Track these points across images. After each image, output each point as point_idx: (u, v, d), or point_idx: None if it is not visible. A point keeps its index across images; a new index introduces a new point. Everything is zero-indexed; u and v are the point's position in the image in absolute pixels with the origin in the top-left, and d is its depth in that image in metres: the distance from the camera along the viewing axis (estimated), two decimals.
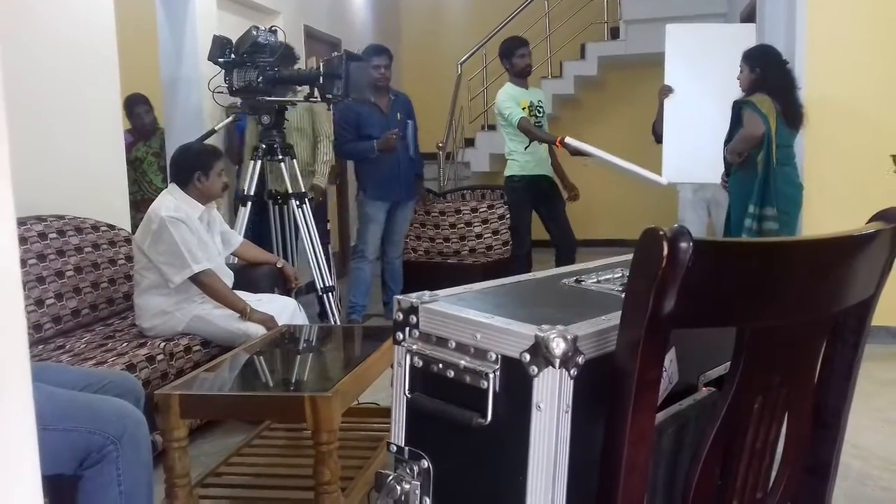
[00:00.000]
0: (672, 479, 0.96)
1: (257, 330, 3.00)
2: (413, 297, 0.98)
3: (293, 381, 2.53)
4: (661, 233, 0.75)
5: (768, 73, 3.65)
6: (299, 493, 2.24)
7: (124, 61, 3.83)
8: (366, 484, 2.30)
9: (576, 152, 4.53)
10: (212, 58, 3.83)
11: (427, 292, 1.00)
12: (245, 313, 3.04)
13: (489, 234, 5.23)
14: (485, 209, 5.27)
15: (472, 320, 0.91)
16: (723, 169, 3.95)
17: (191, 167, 3.11)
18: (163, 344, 2.94)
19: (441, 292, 1.02)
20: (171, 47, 4.61)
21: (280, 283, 3.51)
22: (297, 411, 2.06)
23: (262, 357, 2.63)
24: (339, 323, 4.08)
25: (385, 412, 2.77)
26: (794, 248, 0.87)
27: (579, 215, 5.05)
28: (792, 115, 3.66)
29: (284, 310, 3.24)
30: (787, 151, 3.68)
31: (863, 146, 4.04)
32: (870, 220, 0.95)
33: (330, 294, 4.08)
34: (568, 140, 4.43)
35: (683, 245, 0.75)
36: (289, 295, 3.48)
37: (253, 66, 3.79)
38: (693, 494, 0.90)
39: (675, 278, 0.76)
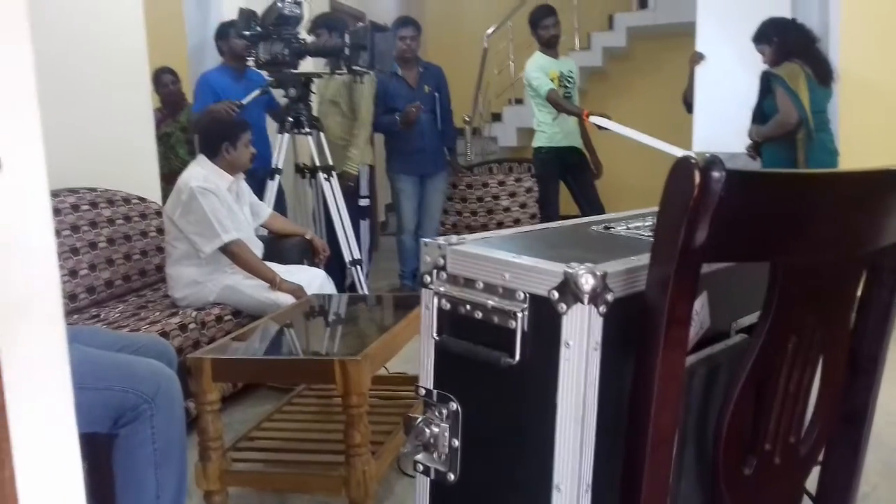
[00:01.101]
0: (704, 423, 0.95)
1: (287, 299, 3.02)
2: (441, 240, 0.97)
3: (323, 346, 2.55)
4: (693, 161, 0.74)
5: (788, 37, 3.59)
6: (330, 456, 2.27)
7: (151, 36, 3.85)
8: (396, 448, 2.32)
9: (601, 127, 4.49)
10: (237, 30, 3.84)
11: (454, 235, 0.99)
12: (275, 283, 3.06)
13: (516, 208, 5.20)
14: (512, 182, 5.24)
15: (500, 260, 0.90)
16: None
17: (219, 137, 3.14)
18: (194, 313, 2.97)
19: (468, 236, 1.01)
20: (197, 21, 4.62)
21: (309, 255, 3.53)
22: (327, 375, 2.08)
23: (291, 325, 2.65)
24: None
25: (414, 380, 2.78)
26: (830, 181, 0.85)
27: (608, 188, 5.01)
28: (821, 72, 3.59)
29: (313, 280, 3.26)
30: (821, 117, 3.61)
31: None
32: None
33: (358, 267, 4.09)
34: (592, 119, 4.39)
35: (716, 175, 0.74)
36: (317, 266, 3.50)
37: (279, 38, 3.79)
38: (725, 436, 0.89)
39: (707, 209, 0.74)
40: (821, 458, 1.06)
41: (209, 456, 2.14)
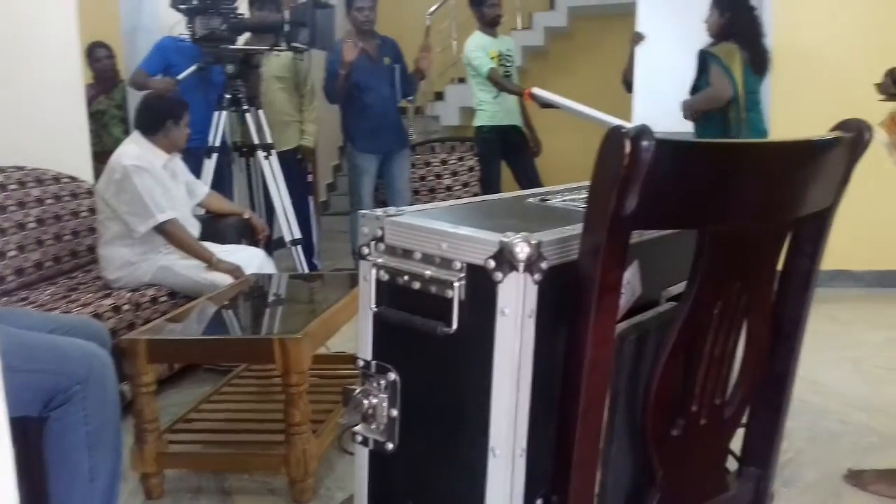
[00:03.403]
0: (634, 387, 0.98)
1: (224, 280, 2.97)
2: (379, 212, 0.97)
3: (262, 325, 2.53)
4: (623, 131, 0.75)
5: (737, 18, 3.66)
6: (270, 436, 2.26)
7: (83, 10, 3.72)
8: (336, 426, 2.32)
9: (545, 104, 4.50)
10: (173, 4, 3.73)
11: (393, 207, 1.00)
12: (211, 263, 3.01)
13: (458, 187, 5.22)
14: (454, 161, 5.25)
15: (437, 230, 0.91)
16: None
17: (163, 115, 3.07)
18: (128, 294, 2.91)
19: (407, 208, 1.01)
20: None
21: (248, 235, 3.48)
22: (266, 354, 2.06)
23: (229, 304, 2.61)
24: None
25: (355, 360, 2.78)
26: (755, 151, 0.88)
27: (548, 166, 5.06)
28: (758, 61, 3.69)
29: (252, 260, 3.21)
30: (752, 98, 3.71)
31: (829, 92, 4.07)
32: (831, 130, 0.96)
33: (299, 246, 4.05)
34: (535, 91, 4.39)
35: (645, 144, 0.75)
36: (256, 246, 3.46)
37: (216, 12, 3.70)
38: (654, 399, 0.92)
39: (637, 177, 0.76)
40: (745, 420, 1.10)
41: (145, 438, 2.11)
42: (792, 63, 4.04)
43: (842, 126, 0.96)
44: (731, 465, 1.16)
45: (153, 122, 3.07)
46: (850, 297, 4.01)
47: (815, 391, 2.73)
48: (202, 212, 3.46)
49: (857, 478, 2.10)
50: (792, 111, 4.07)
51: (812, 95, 4.10)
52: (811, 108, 4.02)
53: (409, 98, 4.85)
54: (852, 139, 0.96)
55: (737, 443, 1.14)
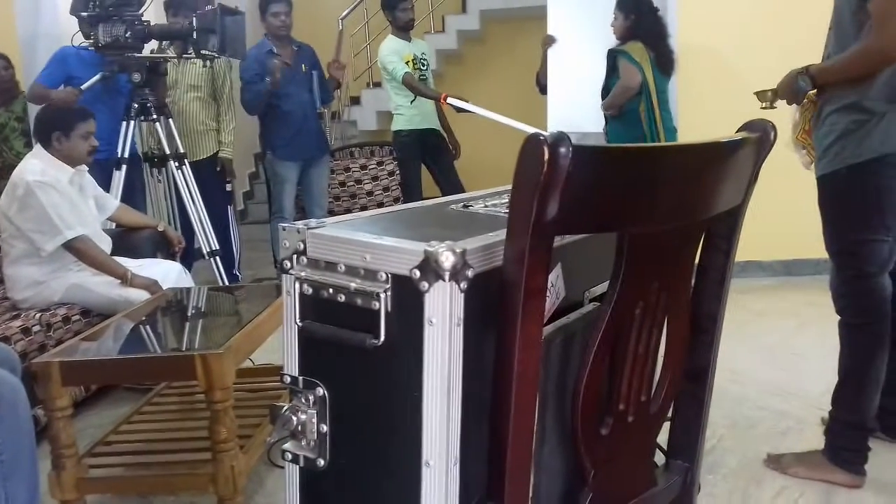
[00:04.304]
0: (562, 389, 0.99)
1: (140, 295, 2.87)
2: (300, 224, 0.95)
3: (182, 341, 2.45)
4: (541, 138, 0.76)
5: (641, 20, 3.78)
6: (196, 454, 2.19)
7: None
8: (265, 441, 2.27)
9: (460, 110, 4.54)
10: (74, 11, 3.59)
11: (314, 220, 0.98)
12: (126, 279, 2.91)
13: (380, 191, 5.21)
14: (374, 166, 5.23)
15: (360, 241, 0.90)
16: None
17: (50, 126, 2.94)
18: (38, 315, 2.78)
19: (328, 220, 1.00)
20: (28, 6, 4.28)
21: (163, 248, 3.38)
22: (187, 371, 2.00)
23: (146, 321, 2.53)
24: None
25: (280, 371, 2.73)
26: (667, 154, 0.90)
27: (469, 168, 5.09)
28: (664, 61, 3.81)
29: (168, 274, 3.12)
30: (661, 96, 3.84)
31: (733, 90, 4.23)
32: (737, 131, 1.00)
33: (217, 258, 3.96)
34: (451, 100, 4.43)
35: (563, 150, 0.77)
36: (173, 259, 3.36)
37: (120, 19, 3.58)
38: (582, 399, 0.93)
39: (557, 184, 0.77)
40: (670, 413, 1.13)
41: (63, 464, 2.01)
42: (696, 63, 4.18)
43: (748, 127, 1.00)
44: (659, 459, 1.19)
45: (42, 134, 2.95)
46: (761, 287, 4.19)
47: (732, 379, 2.83)
48: (113, 226, 3.34)
49: (776, 462, 2.19)
50: (698, 110, 4.21)
51: (717, 94, 4.25)
52: (716, 107, 4.18)
53: (326, 104, 4.83)
54: (759, 139, 0.99)
55: (662, 437, 1.17)
